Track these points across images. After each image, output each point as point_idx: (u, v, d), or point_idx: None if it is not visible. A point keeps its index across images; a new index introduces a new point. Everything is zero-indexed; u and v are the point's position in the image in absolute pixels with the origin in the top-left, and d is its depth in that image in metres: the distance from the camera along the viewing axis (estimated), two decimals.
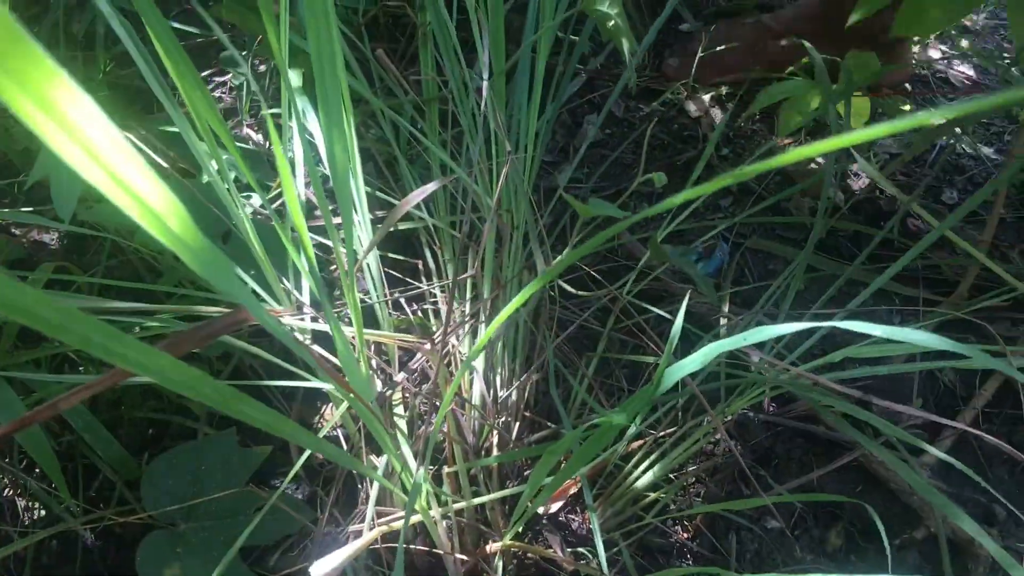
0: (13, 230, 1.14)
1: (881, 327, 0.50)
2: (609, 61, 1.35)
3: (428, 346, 0.73)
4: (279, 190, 1.04)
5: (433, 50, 0.94)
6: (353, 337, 0.72)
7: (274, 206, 0.97)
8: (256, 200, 0.98)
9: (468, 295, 0.87)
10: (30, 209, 1.13)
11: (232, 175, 1.01)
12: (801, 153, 0.30)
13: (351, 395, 0.57)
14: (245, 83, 1.14)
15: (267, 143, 1.21)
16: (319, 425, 1.01)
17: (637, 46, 0.83)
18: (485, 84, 0.72)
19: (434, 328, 0.92)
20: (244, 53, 1.17)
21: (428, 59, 0.90)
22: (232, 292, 0.41)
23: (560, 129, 1.28)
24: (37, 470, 1.00)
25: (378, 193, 0.91)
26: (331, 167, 0.64)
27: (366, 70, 1.21)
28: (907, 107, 1.28)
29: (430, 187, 0.66)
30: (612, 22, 0.81)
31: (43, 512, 0.98)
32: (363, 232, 0.84)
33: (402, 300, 0.95)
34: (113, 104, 1.28)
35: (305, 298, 0.78)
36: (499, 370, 0.87)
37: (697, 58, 1.28)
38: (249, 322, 0.49)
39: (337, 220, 0.95)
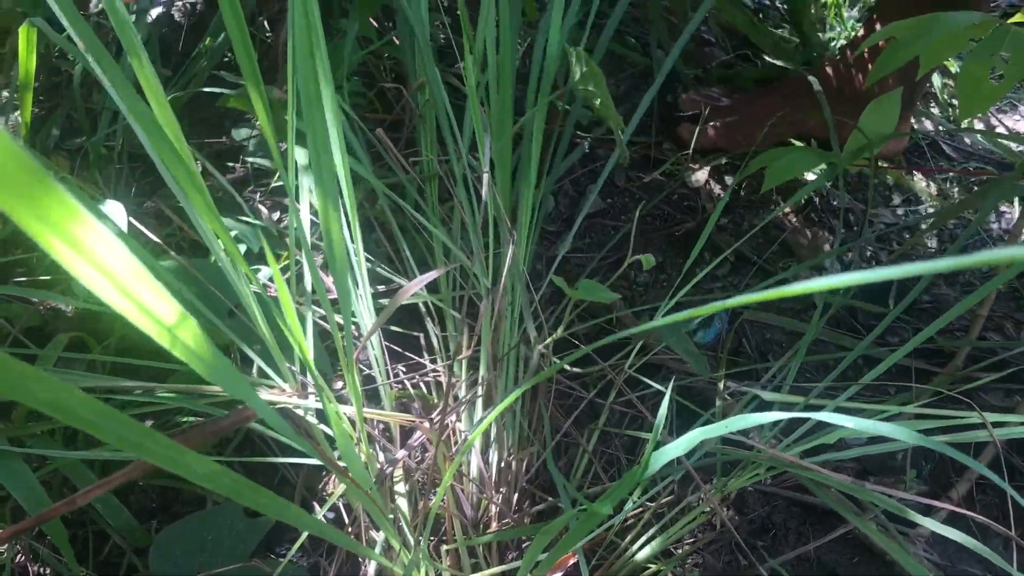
0: (31, 297, 1.18)
1: (858, 421, 0.53)
2: (608, 131, 1.39)
3: (427, 424, 0.76)
4: (286, 262, 1.08)
5: (433, 123, 0.98)
6: (353, 415, 0.74)
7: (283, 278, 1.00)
8: (265, 273, 1.02)
9: (466, 371, 0.90)
10: (47, 277, 1.17)
11: (243, 249, 1.04)
12: (798, 290, 0.32)
13: (351, 483, 0.59)
14: (254, 160, 1.18)
15: (275, 216, 1.25)
16: (324, 493, 1.03)
17: (624, 126, 0.86)
18: (486, 180, 0.75)
19: (434, 400, 0.94)
20: (254, 133, 1.21)
21: (427, 140, 0.94)
22: (240, 395, 0.44)
23: (563, 198, 1.31)
24: (48, 537, 1.02)
25: (379, 269, 0.94)
26: (329, 258, 0.67)
27: (369, 141, 1.25)
28: (912, 178, 1.31)
29: (430, 276, 0.69)
30: (599, 100, 0.85)
31: None
32: (364, 308, 0.87)
33: (402, 370, 0.97)
34: (130, 175, 1.32)
35: (310, 377, 0.81)
36: (497, 444, 0.89)
37: (699, 127, 1.31)
38: (254, 419, 0.52)
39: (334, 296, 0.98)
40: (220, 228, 0.69)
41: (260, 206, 1.23)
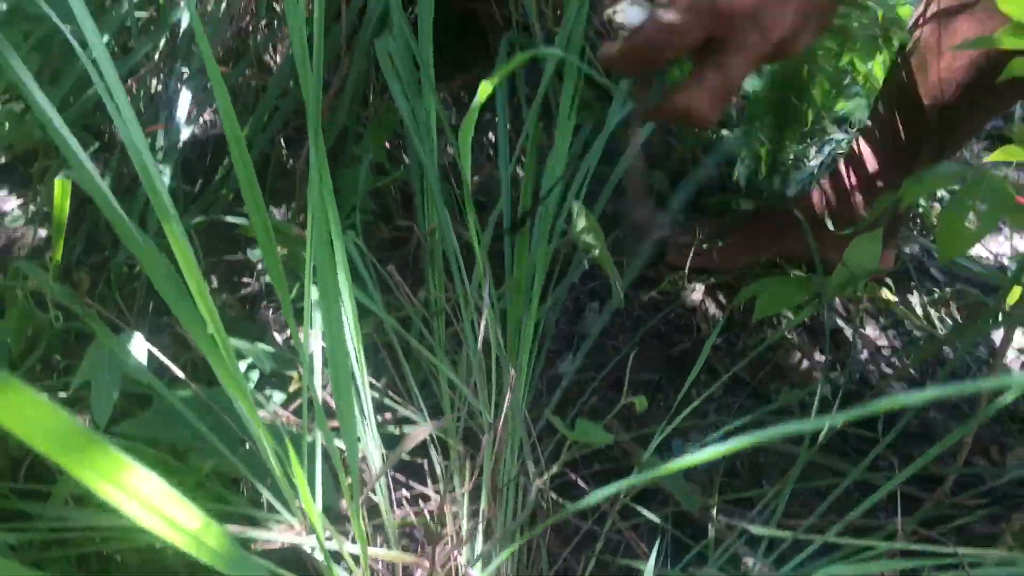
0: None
1: None
2: (611, 249, 1.44)
3: (427, 563, 0.79)
4: (298, 386, 1.12)
5: (441, 259, 1.03)
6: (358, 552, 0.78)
7: (292, 407, 1.04)
8: (276, 399, 1.06)
9: (467, 502, 0.93)
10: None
11: (256, 377, 1.08)
12: (789, 431, 0.36)
13: None
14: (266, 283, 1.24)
15: (284, 336, 1.30)
16: None
17: (620, 279, 0.92)
18: (483, 322, 0.80)
19: (437, 528, 0.97)
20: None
21: (435, 277, 0.99)
22: None
23: (563, 315, 1.36)
24: None
25: (386, 400, 0.99)
26: (339, 414, 0.72)
27: (378, 259, 1.31)
28: (892, 298, 1.36)
29: (437, 425, 0.74)
30: (598, 251, 0.90)
31: None
32: (370, 438, 0.91)
33: (406, 498, 1.01)
34: (149, 290, 1.38)
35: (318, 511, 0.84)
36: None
37: (693, 250, 1.37)
38: None
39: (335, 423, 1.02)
40: (227, 374, 0.73)
41: (274, 333, 1.28)
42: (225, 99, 0.64)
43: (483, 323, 0.84)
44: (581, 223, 0.88)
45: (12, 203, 1.59)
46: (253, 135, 1.32)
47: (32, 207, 1.54)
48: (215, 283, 1.42)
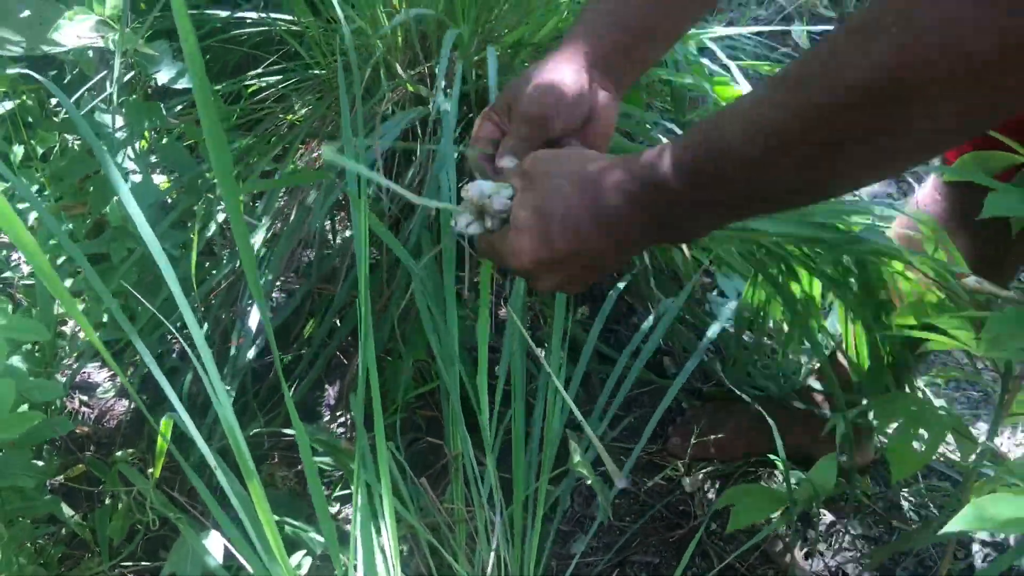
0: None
1: None
2: (622, 435, 1.63)
3: None
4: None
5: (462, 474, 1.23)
6: None
7: None
8: None
9: None
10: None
11: (308, 562, 1.28)
12: None
13: None
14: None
15: (334, 510, 1.50)
16: None
17: (609, 502, 1.11)
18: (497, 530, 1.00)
19: None
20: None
21: (458, 489, 1.19)
22: None
23: (577, 497, 1.55)
24: None
25: None
26: None
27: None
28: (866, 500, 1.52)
29: None
30: (590, 480, 1.10)
31: None
32: None
33: None
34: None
35: None
36: None
37: (693, 439, 1.55)
38: None
39: None
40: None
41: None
42: (278, 362, 0.85)
43: (495, 536, 1.04)
44: (576, 457, 1.08)
45: (103, 375, 1.83)
46: (317, 341, 1.57)
47: (120, 380, 1.78)
48: (276, 458, 1.63)
